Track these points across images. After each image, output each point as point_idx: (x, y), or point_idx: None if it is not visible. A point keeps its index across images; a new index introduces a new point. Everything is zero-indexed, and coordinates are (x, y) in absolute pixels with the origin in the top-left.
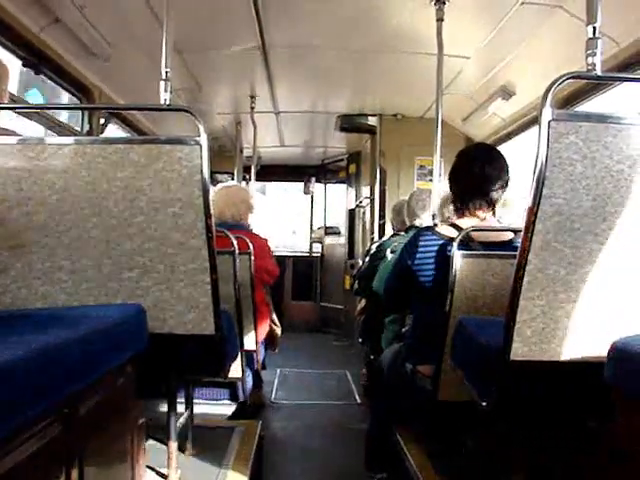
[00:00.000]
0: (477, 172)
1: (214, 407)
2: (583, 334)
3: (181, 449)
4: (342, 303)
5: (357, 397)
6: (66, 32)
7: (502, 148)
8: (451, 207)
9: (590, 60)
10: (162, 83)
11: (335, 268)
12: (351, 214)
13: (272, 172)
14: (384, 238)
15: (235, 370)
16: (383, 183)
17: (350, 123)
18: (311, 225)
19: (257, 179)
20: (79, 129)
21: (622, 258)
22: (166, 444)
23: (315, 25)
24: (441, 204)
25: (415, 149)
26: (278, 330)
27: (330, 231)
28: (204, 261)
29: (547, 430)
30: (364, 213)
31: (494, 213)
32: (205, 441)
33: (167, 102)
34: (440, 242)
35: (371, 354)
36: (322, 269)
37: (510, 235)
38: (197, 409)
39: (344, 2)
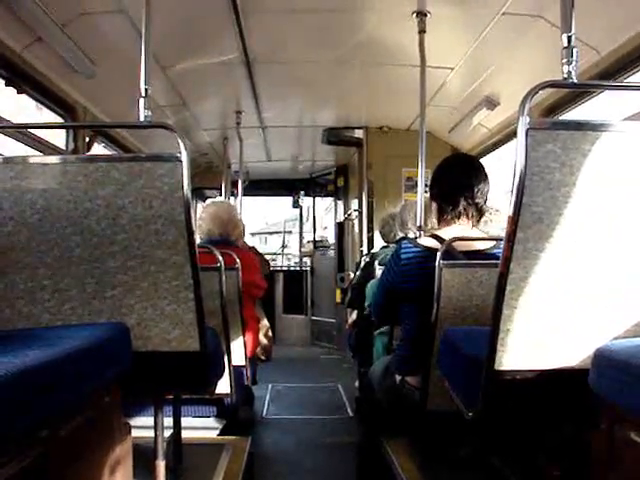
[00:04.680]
0: (456, 180)
1: (203, 424)
2: (567, 341)
3: (169, 468)
4: (333, 316)
5: (349, 410)
6: (48, 50)
7: (488, 158)
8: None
9: (566, 68)
10: (141, 100)
11: (325, 281)
12: (340, 227)
13: (260, 187)
14: (373, 250)
15: (223, 386)
16: (371, 195)
17: (337, 136)
18: (300, 239)
19: (245, 194)
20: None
21: (604, 264)
22: (154, 463)
23: (297, 38)
24: (426, 212)
25: (402, 161)
26: (265, 341)
27: (319, 245)
28: (187, 278)
29: (533, 439)
30: (353, 226)
31: (478, 221)
32: (193, 459)
33: (147, 119)
34: (422, 254)
35: (362, 367)
36: (312, 283)
37: (489, 244)
38: (185, 426)
39: (326, 15)
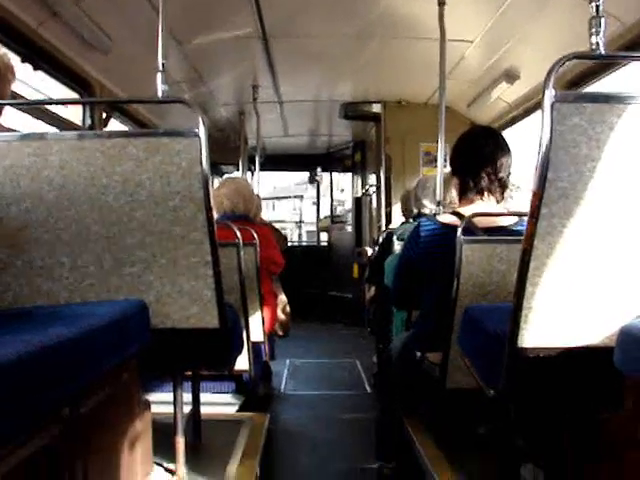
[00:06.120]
0: (479, 153)
1: (221, 400)
2: (592, 319)
3: (188, 444)
4: (351, 292)
5: (367, 386)
6: (64, 26)
7: (507, 132)
8: (453, 192)
9: (594, 39)
10: (158, 75)
11: (343, 257)
12: (357, 202)
13: (277, 162)
14: (392, 226)
15: (242, 362)
16: (389, 170)
17: (354, 111)
18: (317, 214)
19: (262, 169)
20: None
21: (630, 240)
22: (173, 439)
23: (314, 12)
24: (445, 187)
25: (420, 135)
26: (283, 316)
27: (337, 220)
28: (206, 254)
29: (556, 418)
30: (370, 201)
31: (502, 196)
32: (212, 435)
33: (164, 94)
34: (441, 231)
35: (380, 343)
36: (330, 258)
37: (512, 220)
38: (204, 402)
39: None
